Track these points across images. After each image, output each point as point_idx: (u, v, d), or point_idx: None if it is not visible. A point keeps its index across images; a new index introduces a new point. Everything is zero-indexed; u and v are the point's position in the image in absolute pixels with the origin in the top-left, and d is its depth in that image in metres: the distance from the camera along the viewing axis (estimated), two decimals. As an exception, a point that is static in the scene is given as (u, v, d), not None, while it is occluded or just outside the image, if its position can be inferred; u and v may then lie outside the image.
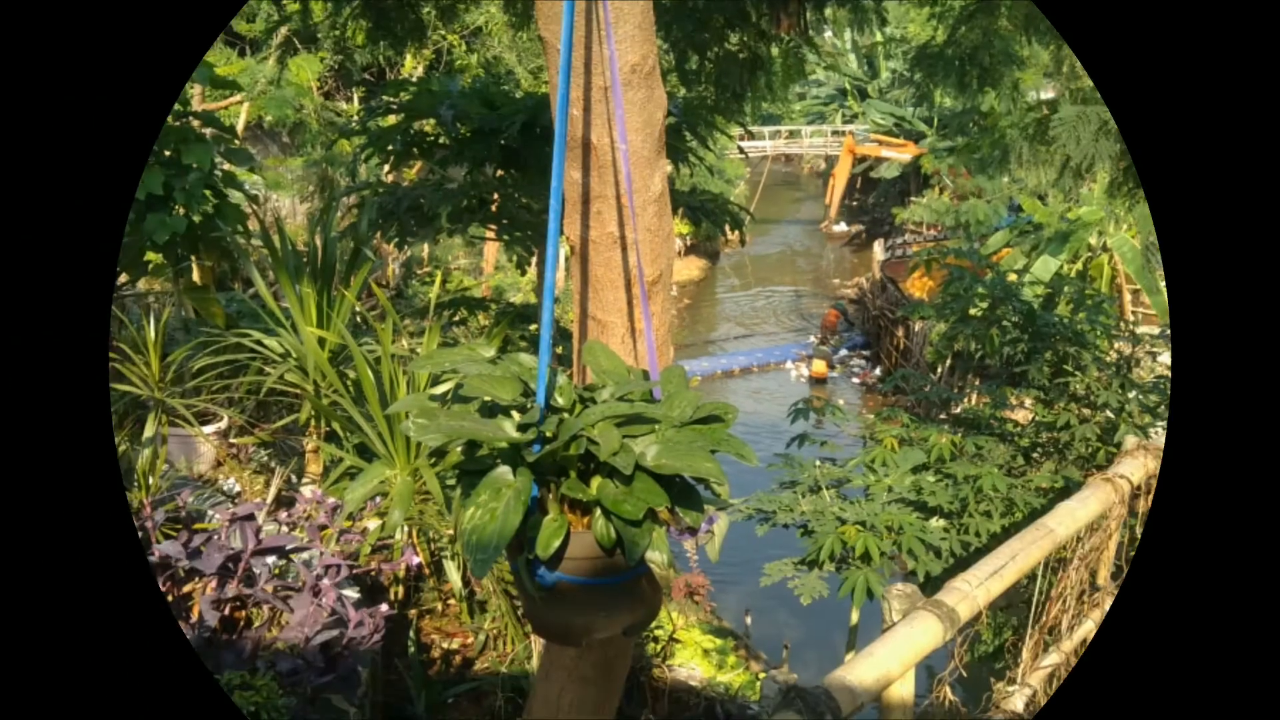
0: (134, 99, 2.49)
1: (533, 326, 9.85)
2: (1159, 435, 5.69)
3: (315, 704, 4.89)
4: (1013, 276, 12.60)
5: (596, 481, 2.80)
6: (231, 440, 8.56)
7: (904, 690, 3.39)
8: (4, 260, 2.27)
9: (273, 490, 6.84)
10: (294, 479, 8.02)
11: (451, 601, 7.31)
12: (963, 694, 3.86)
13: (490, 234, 9.30)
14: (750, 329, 44.10)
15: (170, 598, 5.18)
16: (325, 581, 5.30)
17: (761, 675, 9.58)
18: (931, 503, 8.99)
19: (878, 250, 43.21)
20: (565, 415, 2.91)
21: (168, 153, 8.59)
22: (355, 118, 18.10)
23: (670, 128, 8.38)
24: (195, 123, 9.13)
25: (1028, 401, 10.68)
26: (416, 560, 6.59)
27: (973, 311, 11.27)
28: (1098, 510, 4.64)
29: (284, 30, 22.16)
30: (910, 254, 38.96)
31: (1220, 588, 2.39)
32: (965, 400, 11.69)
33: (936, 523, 9.00)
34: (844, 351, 39.43)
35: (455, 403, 3.06)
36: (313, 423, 7.90)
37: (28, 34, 2.34)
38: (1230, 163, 2.47)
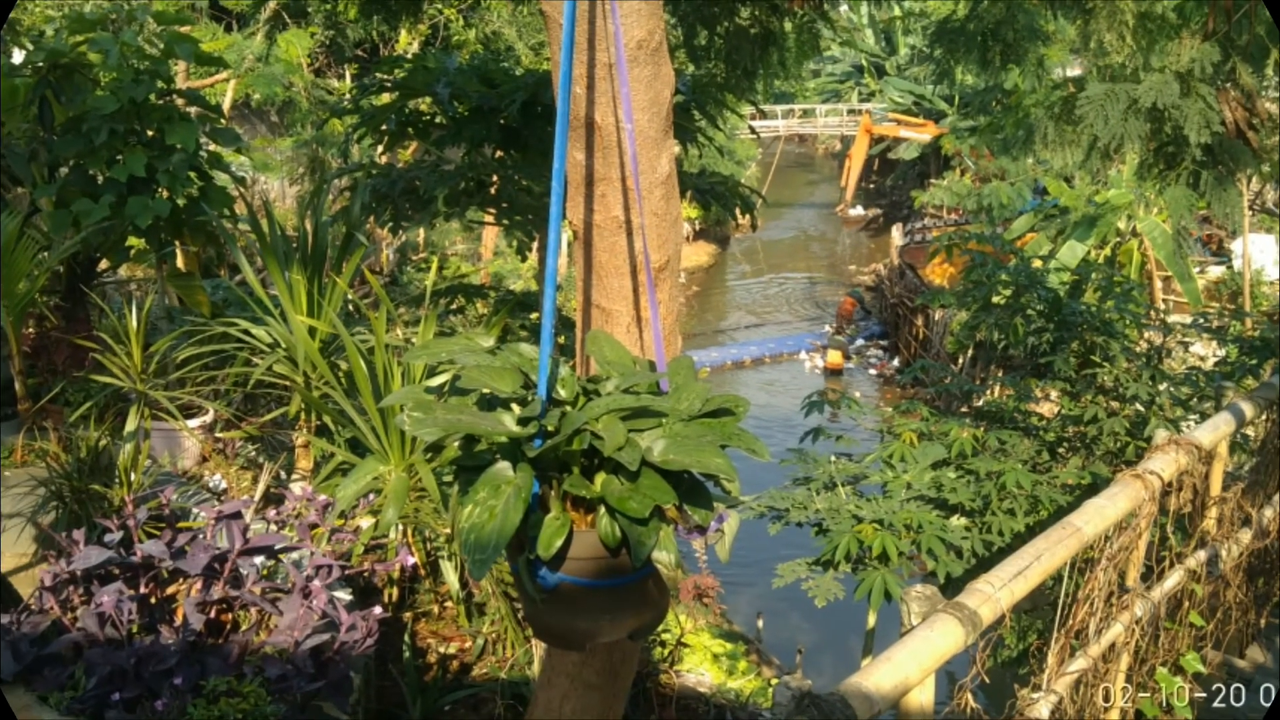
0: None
1: (533, 315, 9.86)
2: (1191, 429, 5.67)
3: (305, 711, 4.89)
4: (1037, 263, 12.60)
5: (601, 478, 2.79)
6: (217, 434, 8.57)
7: (923, 697, 3.38)
8: None
9: (261, 487, 6.85)
10: (283, 475, 8.03)
11: (448, 604, 7.32)
12: (985, 701, 3.86)
13: (489, 218, 9.30)
14: (762, 318, 44.10)
15: (153, 600, 5.19)
16: (316, 583, 5.31)
17: (774, 681, 9.59)
18: (952, 500, 8.99)
19: (896, 235, 43.17)
20: (568, 408, 2.91)
21: (150, 133, 8.60)
22: (347, 96, 18.11)
23: (678, 106, 8.38)
24: (179, 101, 9.13)
25: (1053, 394, 10.68)
26: (412, 561, 6.59)
27: (995, 299, 11.27)
28: (1127, 508, 4.63)
29: (273, 4, 22.18)
30: (930, 239, 38.95)
31: None
32: (987, 393, 11.70)
33: (957, 521, 9.00)
34: (860, 341, 39.43)
35: (452, 395, 3.05)
36: (303, 416, 7.91)
37: None
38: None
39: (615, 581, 2.87)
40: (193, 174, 8.79)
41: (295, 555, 5.77)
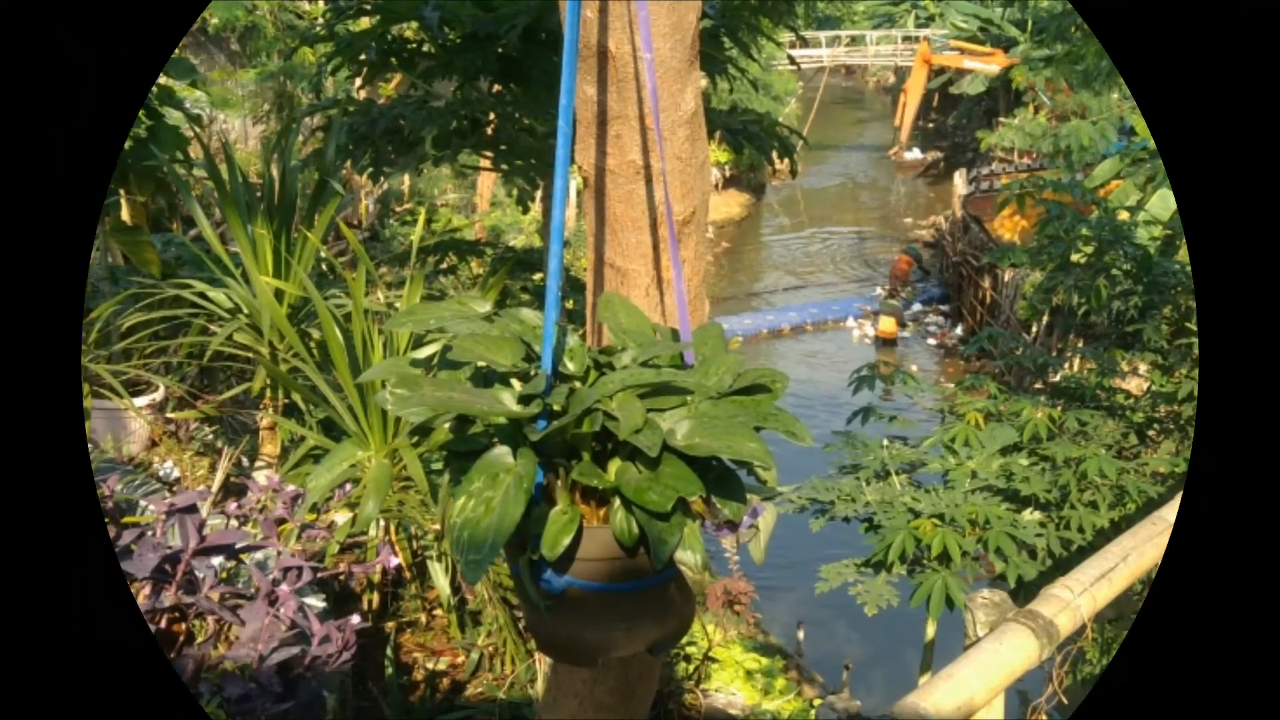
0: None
1: (537, 276, 9.86)
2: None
3: (273, 735, 4.91)
4: (1124, 215, 12.56)
5: (615, 465, 2.79)
6: (169, 415, 8.59)
7: (991, 721, 3.39)
8: None
9: (219, 476, 6.86)
10: (245, 462, 8.05)
11: (437, 612, 7.34)
12: (1062, 725, 3.86)
13: (485, 163, 9.30)
14: (803, 279, 44.07)
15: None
16: (283, 588, 5.32)
17: (817, 702, 9.61)
18: (1024, 491, 8.97)
19: (959, 183, 43.08)
20: (577, 384, 2.90)
21: (90, 64, 8.58)
22: (320, 20, 18.06)
23: (706, 33, 8.35)
24: (124, 27, 9.11)
25: (1142, 368, 10.65)
26: (395, 562, 6.60)
27: (1075, 258, 11.23)
28: (1228, 501, 4.62)
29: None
30: (999, 187, 38.78)
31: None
32: (1065, 366, 11.66)
33: (1031, 516, 8.98)
34: (917, 306, 39.39)
35: (442, 369, 3.05)
36: (268, 393, 7.92)
37: None
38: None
39: (632, 586, 2.86)
40: (140, 112, 8.78)
41: (259, 555, 5.78)
